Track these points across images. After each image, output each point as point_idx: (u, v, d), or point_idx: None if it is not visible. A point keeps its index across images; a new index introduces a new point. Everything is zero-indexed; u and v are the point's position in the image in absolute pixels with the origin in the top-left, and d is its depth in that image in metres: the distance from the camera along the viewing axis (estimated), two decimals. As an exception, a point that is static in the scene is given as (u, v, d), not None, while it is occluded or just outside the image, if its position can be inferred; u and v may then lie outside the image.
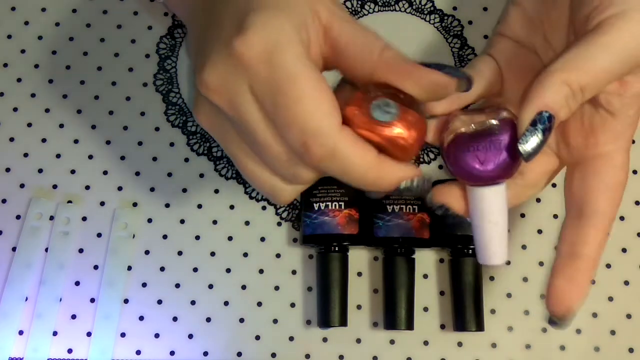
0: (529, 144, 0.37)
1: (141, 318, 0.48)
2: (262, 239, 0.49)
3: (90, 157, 0.50)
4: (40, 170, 0.50)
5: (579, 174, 0.40)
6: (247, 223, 0.49)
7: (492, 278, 0.49)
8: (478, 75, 0.43)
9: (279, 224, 0.49)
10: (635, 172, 0.51)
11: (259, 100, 0.36)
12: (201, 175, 0.50)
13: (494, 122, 0.39)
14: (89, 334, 0.47)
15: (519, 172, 0.40)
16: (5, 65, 0.52)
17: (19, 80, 0.51)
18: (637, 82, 0.40)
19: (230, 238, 0.49)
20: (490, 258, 0.38)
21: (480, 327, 0.47)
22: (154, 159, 0.50)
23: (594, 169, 0.40)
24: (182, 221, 0.49)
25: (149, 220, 0.49)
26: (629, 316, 0.49)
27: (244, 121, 0.37)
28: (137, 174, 0.50)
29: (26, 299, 0.48)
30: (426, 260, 0.49)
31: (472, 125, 0.39)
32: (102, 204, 0.50)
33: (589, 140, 0.40)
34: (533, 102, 0.37)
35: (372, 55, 0.38)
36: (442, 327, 0.48)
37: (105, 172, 0.50)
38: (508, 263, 0.49)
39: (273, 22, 0.36)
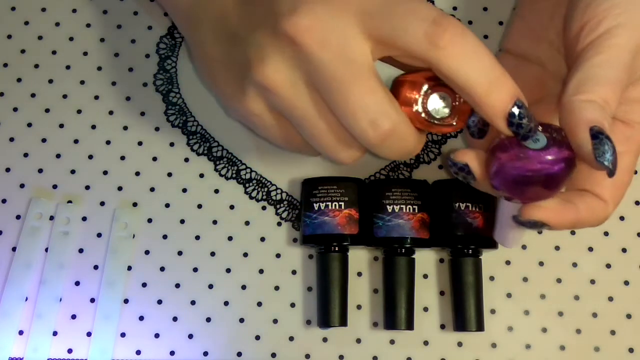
0: (605, 157, 0.37)
1: (141, 318, 0.48)
2: (262, 239, 0.49)
3: (90, 157, 0.50)
4: (40, 170, 0.50)
5: (586, 171, 0.40)
6: (247, 223, 0.49)
7: (492, 278, 0.49)
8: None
9: (279, 224, 0.49)
10: (635, 172, 0.51)
11: (319, 91, 0.38)
12: (201, 175, 0.50)
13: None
14: (89, 334, 0.47)
15: None
16: (5, 65, 0.52)
17: (19, 80, 0.51)
18: (634, 89, 0.40)
19: (230, 238, 0.49)
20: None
21: (480, 327, 0.47)
22: (154, 159, 0.50)
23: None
24: (182, 221, 0.49)
25: (149, 220, 0.49)
26: (629, 316, 0.49)
27: (295, 107, 0.39)
28: (137, 174, 0.50)
29: (26, 299, 0.48)
30: (426, 260, 0.49)
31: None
32: (102, 204, 0.50)
33: None
34: (578, 124, 0.37)
35: (422, 53, 0.39)
36: (442, 327, 0.48)
37: (105, 172, 0.50)
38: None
39: (327, 6, 0.38)
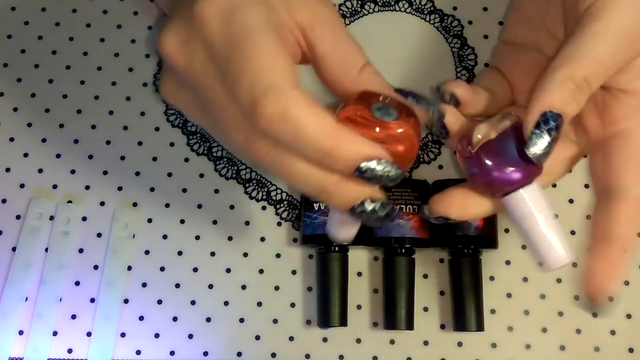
0: (536, 147, 0.36)
1: (141, 318, 0.48)
2: (262, 239, 0.49)
3: (90, 157, 0.50)
4: (40, 170, 0.50)
5: (601, 156, 0.39)
6: (247, 223, 0.49)
7: (492, 278, 0.49)
8: (484, 92, 0.43)
9: (279, 224, 0.49)
10: (635, 172, 0.51)
11: (213, 58, 0.35)
12: (201, 175, 0.50)
13: (508, 123, 0.38)
14: (89, 334, 0.47)
15: None
16: (5, 65, 0.52)
17: (19, 80, 0.51)
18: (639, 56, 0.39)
19: (230, 238, 0.49)
20: (561, 254, 0.37)
21: (480, 327, 0.47)
22: (154, 159, 0.50)
23: (616, 147, 0.39)
24: (182, 221, 0.49)
25: (149, 220, 0.49)
26: (629, 316, 0.49)
27: (200, 84, 0.35)
28: (137, 174, 0.50)
29: (26, 299, 0.48)
30: (426, 260, 0.49)
31: (494, 132, 0.37)
32: (102, 204, 0.50)
33: (605, 119, 0.40)
34: (535, 104, 0.37)
35: (350, 72, 0.37)
36: (442, 327, 0.48)
37: (105, 172, 0.50)
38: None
39: None
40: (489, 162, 0.37)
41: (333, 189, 0.35)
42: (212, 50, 0.35)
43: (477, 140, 0.37)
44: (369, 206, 0.35)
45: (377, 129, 0.35)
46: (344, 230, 0.39)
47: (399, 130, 0.35)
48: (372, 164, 0.34)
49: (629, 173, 0.38)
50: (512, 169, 0.37)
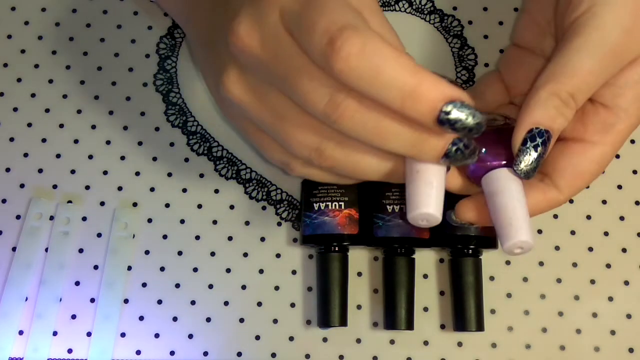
0: (522, 164, 0.37)
1: (141, 318, 0.48)
2: (262, 239, 0.49)
3: (90, 157, 0.50)
4: (40, 170, 0.50)
5: (558, 148, 0.40)
6: (247, 223, 0.49)
7: (492, 278, 0.49)
8: (482, 94, 0.45)
9: (279, 224, 0.49)
10: (635, 172, 0.51)
11: (288, 23, 0.34)
12: (201, 175, 0.50)
13: (502, 119, 0.41)
14: (89, 334, 0.47)
15: None
16: (5, 65, 0.52)
17: (19, 80, 0.51)
18: (631, 74, 0.39)
19: (230, 238, 0.49)
20: (517, 233, 0.37)
21: (480, 327, 0.47)
22: (154, 159, 0.50)
23: (570, 150, 0.40)
24: (182, 221, 0.49)
25: (149, 220, 0.49)
26: (629, 316, 0.49)
27: (275, 61, 0.35)
28: (137, 174, 0.50)
29: (26, 299, 0.48)
30: (426, 260, 0.49)
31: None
32: (102, 204, 0.50)
33: (576, 125, 0.40)
34: (522, 121, 0.37)
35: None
36: (442, 327, 0.48)
37: (105, 172, 0.50)
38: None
39: (260, 6, 0.35)
40: (482, 148, 0.39)
41: (423, 139, 0.34)
42: (286, 13, 0.34)
43: None
44: (460, 143, 0.35)
45: None
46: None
47: None
48: (457, 106, 0.32)
49: (565, 180, 0.40)
50: (495, 156, 0.39)
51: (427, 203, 0.37)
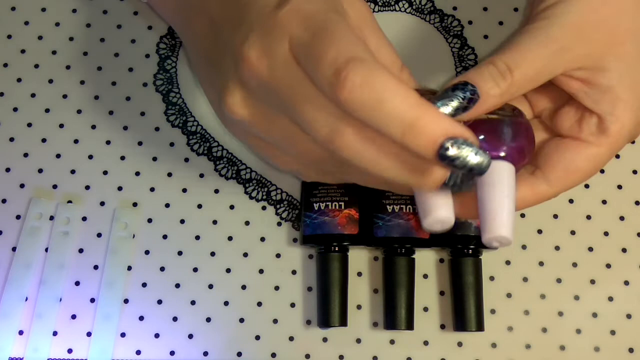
0: (441, 104, 0.36)
1: (141, 318, 0.48)
2: (262, 239, 0.49)
3: (90, 157, 0.50)
4: (40, 170, 0.50)
5: (553, 143, 0.41)
6: (247, 223, 0.49)
7: (492, 278, 0.49)
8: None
9: (279, 224, 0.49)
10: (635, 172, 0.51)
11: (296, 52, 0.35)
12: (201, 175, 0.50)
13: (508, 114, 0.40)
14: (89, 334, 0.47)
15: None
16: (5, 65, 0.52)
17: (19, 80, 0.51)
18: (598, 78, 0.40)
19: (230, 238, 0.49)
20: (499, 227, 0.37)
21: (480, 327, 0.47)
22: (154, 159, 0.50)
23: (565, 146, 0.41)
24: (182, 221, 0.49)
25: (149, 220, 0.49)
26: (629, 316, 0.49)
27: (282, 88, 0.36)
28: (137, 174, 0.50)
29: (26, 299, 0.48)
30: (426, 260, 0.49)
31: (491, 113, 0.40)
32: (102, 204, 0.50)
33: (574, 125, 0.41)
34: (457, 79, 0.38)
35: (393, 70, 0.39)
36: (442, 327, 0.48)
37: (105, 172, 0.50)
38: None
39: (269, 32, 0.36)
40: (485, 134, 0.39)
41: (422, 170, 0.34)
42: (295, 43, 0.35)
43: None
44: (457, 178, 0.35)
45: None
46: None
47: None
48: (458, 143, 0.32)
49: (557, 174, 0.40)
50: (494, 146, 0.39)
51: (439, 205, 0.37)
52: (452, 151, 0.32)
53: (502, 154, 0.39)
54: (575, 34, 0.39)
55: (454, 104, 0.36)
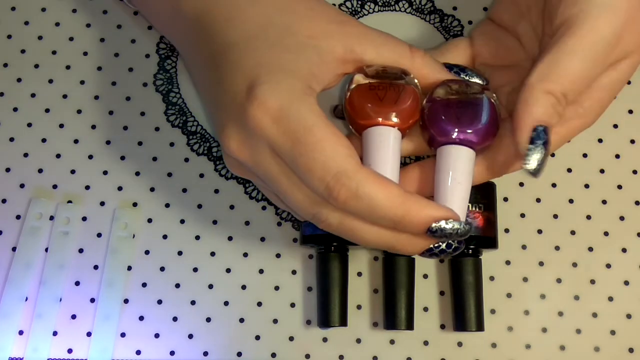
0: (533, 162, 0.38)
1: (141, 318, 0.48)
2: (262, 239, 0.49)
3: (90, 157, 0.50)
4: (40, 170, 0.50)
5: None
6: (247, 223, 0.49)
7: (492, 278, 0.49)
8: (447, 53, 0.46)
9: (279, 224, 0.49)
10: (635, 172, 0.51)
11: (279, 156, 0.38)
12: (201, 175, 0.50)
13: (476, 94, 0.41)
14: (89, 334, 0.47)
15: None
16: (5, 65, 0.52)
17: (19, 80, 0.51)
18: (604, 74, 0.40)
19: (230, 238, 0.49)
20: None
21: (480, 327, 0.47)
22: (154, 159, 0.50)
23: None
24: (182, 221, 0.49)
25: (149, 220, 0.49)
26: (629, 316, 0.49)
27: (268, 176, 0.39)
28: (137, 174, 0.50)
29: (26, 299, 0.48)
30: (426, 260, 0.49)
31: (455, 94, 0.41)
32: (102, 204, 0.50)
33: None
34: (525, 120, 0.38)
35: (405, 64, 0.41)
36: (442, 327, 0.48)
37: (105, 172, 0.50)
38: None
39: (282, 84, 0.38)
40: (443, 116, 0.40)
41: (403, 244, 0.39)
42: (275, 149, 0.38)
43: (436, 94, 0.41)
44: (443, 245, 0.40)
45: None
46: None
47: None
48: (442, 224, 0.37)
49: (504, 154, 0.41)
50: (458, 130, 0.40)
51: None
52: (439, 231, 0.37)
53: (464, 138, 0.40)
54: (613, 41, 0.39)
55: (542, 153, 0.38)
